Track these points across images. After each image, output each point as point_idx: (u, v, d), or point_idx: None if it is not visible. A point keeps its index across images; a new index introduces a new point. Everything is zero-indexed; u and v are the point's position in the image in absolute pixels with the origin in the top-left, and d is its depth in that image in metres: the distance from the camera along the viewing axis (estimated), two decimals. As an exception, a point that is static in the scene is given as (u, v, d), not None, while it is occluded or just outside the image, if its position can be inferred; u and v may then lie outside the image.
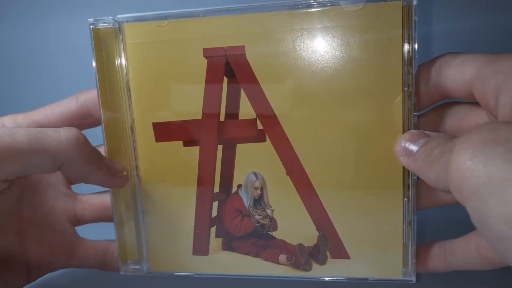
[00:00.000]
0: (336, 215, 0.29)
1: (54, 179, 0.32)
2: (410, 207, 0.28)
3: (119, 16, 0.29)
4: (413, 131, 0.26)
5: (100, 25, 0.29)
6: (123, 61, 0.29)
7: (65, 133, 0.26)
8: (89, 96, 0.31)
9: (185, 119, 0.30)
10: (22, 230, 0.30)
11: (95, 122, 0.32)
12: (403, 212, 0.28)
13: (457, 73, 0.25)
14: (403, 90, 0.26)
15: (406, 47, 0.26)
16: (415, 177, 0.27)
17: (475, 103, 0.27)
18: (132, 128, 0.30)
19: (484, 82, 0.24)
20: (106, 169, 0.28)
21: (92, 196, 0.33)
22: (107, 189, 0.31)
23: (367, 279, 0.29)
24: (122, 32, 0.29)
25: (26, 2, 0.47)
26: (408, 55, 0.26)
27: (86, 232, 0.34)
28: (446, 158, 0.21)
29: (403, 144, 0.26)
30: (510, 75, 0.22)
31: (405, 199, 0.28)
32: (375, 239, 0.29)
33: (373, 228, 0.29)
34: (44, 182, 0.32)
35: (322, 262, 0.30)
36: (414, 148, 0.25)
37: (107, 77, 0.30)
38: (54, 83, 0.48)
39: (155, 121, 0.30)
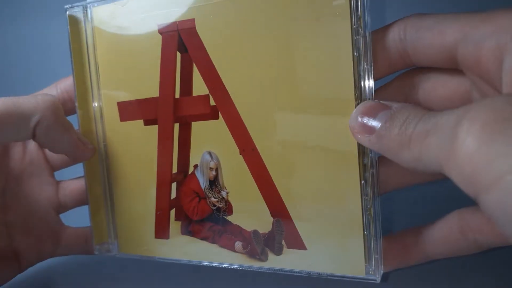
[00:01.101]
0: (291, 200, 0.26)
1: (37, 168, 0.33)
2: (369, 191, 0.24)
3: (89, 0, 0.30)
4: (369, 102, 0.23)
5: (75, 10, 0.31)
6: (93, 44, 0.31)
7: (42, 96, 0.27)
8: (68, 82, 0.32)
9: (145, 97, 0.29)
10: (8, 220, 0.31)
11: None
12: (361, 198, 0.24)
13: (433, 36, 0.22)
14: (353, 55, 0.23)
15: (353, 3, 0.23)
16: (372, 154, 0.24)
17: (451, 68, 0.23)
18: (101, 109, 0.31)
19: (478, 44, 0.20)
20: (75, 136, 0.29)
21: (72, 182, 0.34)
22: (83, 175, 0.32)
23: (325, 274, 0.26)
24: (92, 16, 0.30)
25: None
26: (357, 14, 0.23)
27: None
28: (437, 140, 0.18)
29: (359, 119, 0.22)
30: None
31: (363, 181, 0.24)
32: (333, 229, 0.25)
33: (331, 216, 0.25)
34: (28, 172, 0.32)
35: (278, 251, 0.27)
36: (375, 123, 0.21)
37: (81, 61, 0.31)
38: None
39: (119, 101, 0.30)
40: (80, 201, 0.34)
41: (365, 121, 0.22)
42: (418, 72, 0.24)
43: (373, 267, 0.25)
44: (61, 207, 0.33)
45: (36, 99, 0.27)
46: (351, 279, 0.25)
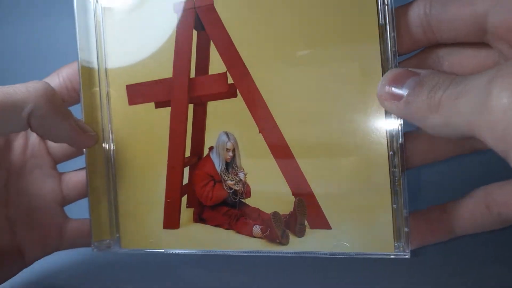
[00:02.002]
0: (314, 177, 0.25)
1: (39, 161, 0.31)
2: (397, 162, 0.24)
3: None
4: (397, 69, 0.22)
5: (82, -8, 0.30)
6: (102, 26, 0.30)
7: (33, 84, 0.26)
8: (71, 70, 0.31)
9: (157, 79, 0.29)
10: (11, 215, 0.30)
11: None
12: (390, 170, 0.24)
13: (461, 6, 0.22)
14: (378, 25, 0.23)
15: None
16: (401, 123, 0.23)
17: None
18: (108, 94, 0.30)
19: None
20: (75, 123, 0.27)
21: (75, 174, 0.32)
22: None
23: (352, 254, 0.25)
24: (100, -4, 0.30)
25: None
26: (382, -17, 0.23)
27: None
28: (468, 101, 0.18)
29: (387, 87, 0.22)
30: None
31: (391, 152, 0.24)
32: (360, 205, 0.25)
33: (357, 191, 0.25)
34: (30, 165, 0.31)
35: (300, 233, 0.26)
36: (403, 90, 0.21)
37: (87, 43, 0.30)
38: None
39: (129, 83, 0.29)
40: (83, 193, 0.32)
41: (393, 88, 0.22)
42: (442, 47, 0.25)
43: (403, 242, 0.24)
44: (65, 200, 0.32)
45: (27, 88, 0.25)
46: (379, 257, 0.24)
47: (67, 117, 0.27)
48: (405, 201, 0.24)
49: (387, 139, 0.24)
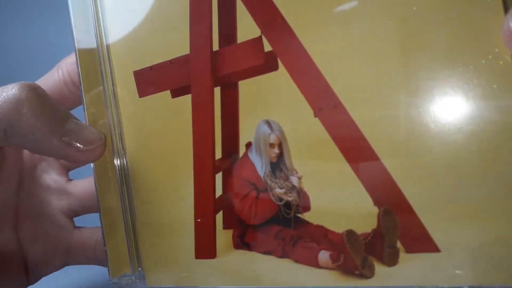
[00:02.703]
0: (406, 177, 0.17)
1: (48, 165, 0.27)
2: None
3: None
4: None
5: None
6: (100, 11, 0.23)
7: (6, 92, 0.21)
8: (70, 60, 0.25)
9: (170, 58, 0.21)
10: (19, 223, 0.26)
11: None
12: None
13: None
14: None
15: None
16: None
17: None
18: (113, 86, 0.23)
19: None
20: (62, 136, 0.21)
21: (80, 183, 0.26)
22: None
23: (476, 289, 0.16)
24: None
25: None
26: None
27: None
28: None
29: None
30: None
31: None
32: (482, 213, 0.16)
33: (475, 193, 0.16)
34: (40, 169, 0.27)
35: (391, 260, 0.17)
36: None
37: (85, 33, 0.23)
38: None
39: (136, 69, 0.22)
40: (89, 208, 0.27)
41: None
42: None
43: None
44: (71, 212, 0.27)
45: None
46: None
47: (53, 131, 0.21)
48: None
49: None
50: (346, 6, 0.18)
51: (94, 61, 0.23)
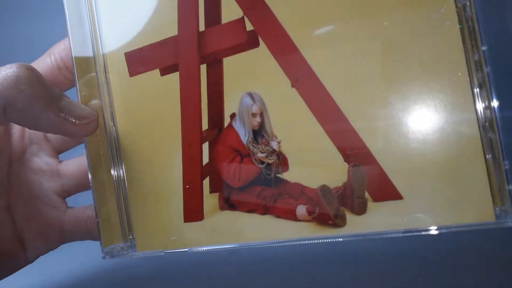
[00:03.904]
0: (370, 134, 0.19)
1: (38, 148, 0.28)
2: (487, 95, 0.17)
3: None
4: None
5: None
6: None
7: (5, 71, 0.22)
8: (62, 46, 0.26)
9: (159, 40, 0.23)
10: (12, 205, 0.28)
11: None
12: (475, 107, 0.18)
13: None
14: None
15: None
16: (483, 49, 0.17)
17: None
18: (105, 67, 0.25)
19: None
20: (58, 111, 0.23)
21: (73, 162, 0.28)
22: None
23: (435, 229, 0.19)
24: None
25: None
26: None
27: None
28: None
29: None
30: None
31: (476, 88, 0.17)
32: (438, 162, 0.18)
33: (433, 146, 0.18)
34: (29, 152, 0.28)
35: (360, 209, 0.20)
36: None
37: (77, 15, 0.25)
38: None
39: (127, 51, 0.24)
40: (82, 186, 0.28)
41: None
42: None
43: (506, 205, 0.17)
44: (64, 192, 0.28)
45: None
46: (474, 228, 0.18)
47: (50, 106, 0.22)
48: (503, 150, 0.17)
49: (467, 66, 0.18)
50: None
51: (86, 47, 0.25)
